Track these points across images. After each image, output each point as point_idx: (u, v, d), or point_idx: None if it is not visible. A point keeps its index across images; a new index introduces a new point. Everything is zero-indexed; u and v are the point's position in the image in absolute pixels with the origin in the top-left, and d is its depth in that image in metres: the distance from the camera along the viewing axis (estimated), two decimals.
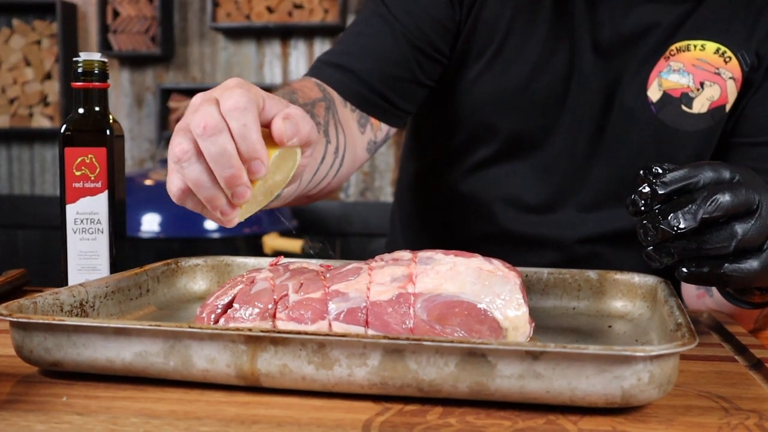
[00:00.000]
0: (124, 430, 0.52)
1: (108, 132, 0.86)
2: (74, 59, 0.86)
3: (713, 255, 0.65)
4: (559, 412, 0.55)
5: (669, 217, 0.64)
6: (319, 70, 0.98)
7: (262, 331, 0.56)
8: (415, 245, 1.07)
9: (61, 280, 0.87)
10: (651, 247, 0.67)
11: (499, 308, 0.64)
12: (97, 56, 0.86)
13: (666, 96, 0.95)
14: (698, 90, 0.95)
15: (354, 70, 0.97)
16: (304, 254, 2.69)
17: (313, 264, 0.75)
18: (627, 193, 0.98)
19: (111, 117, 0.87)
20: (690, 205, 0.64)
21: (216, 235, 2.76)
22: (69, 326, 0.60)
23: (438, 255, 0.68)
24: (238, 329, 0.57)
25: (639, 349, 0.52)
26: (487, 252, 0.72)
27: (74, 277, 0.86)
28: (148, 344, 0.59)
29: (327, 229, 3.48)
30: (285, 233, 2.86)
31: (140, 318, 0.76)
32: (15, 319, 0.60)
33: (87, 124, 0.86)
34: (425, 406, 0.56)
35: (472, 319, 0.63)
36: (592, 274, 0.83)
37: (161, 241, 2.70)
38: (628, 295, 0.81)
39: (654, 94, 0.96)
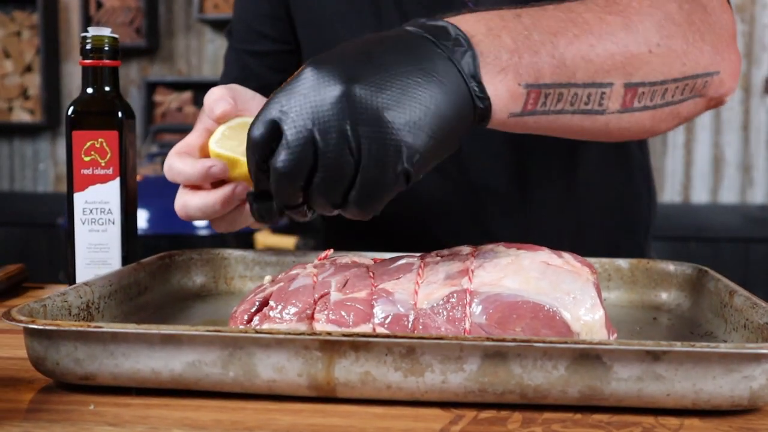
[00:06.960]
0: None
1: (120, 114, 0.79)
2: (82, 35, 0.79)
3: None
4: (653, 416, 0.49)
5: (315, 196, 0.55)
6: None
7: (343, 335, 0.50)
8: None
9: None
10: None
11: (568, 308, 0.57)
12: (107, 31, 0.79)
13: None
14: None
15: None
16: (299, 251, 2.61)
17: (366, 258, 0.68)
18: None
19: (123, 98, 0.80)
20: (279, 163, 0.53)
21: (204, 232, 2.67)
22: (106, 334, 0.52)
23: (499, 247, 0.62)
24: (314, 333, 0.50)
25: None
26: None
27: (82, 272, 0.79)
28: (203, 352, 0.51)
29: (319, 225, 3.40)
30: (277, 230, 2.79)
31: (144, 320, 0.69)
32: (39, 327, 0.51)
33: (96, 105, 0.79)
34: (501, 412, 0.50)
35: (539, 323, 0.57)
36: (621, 262, 0.78)
37: (149, 238, 2.61)
38: (662, 284, 0.77)
39: None
